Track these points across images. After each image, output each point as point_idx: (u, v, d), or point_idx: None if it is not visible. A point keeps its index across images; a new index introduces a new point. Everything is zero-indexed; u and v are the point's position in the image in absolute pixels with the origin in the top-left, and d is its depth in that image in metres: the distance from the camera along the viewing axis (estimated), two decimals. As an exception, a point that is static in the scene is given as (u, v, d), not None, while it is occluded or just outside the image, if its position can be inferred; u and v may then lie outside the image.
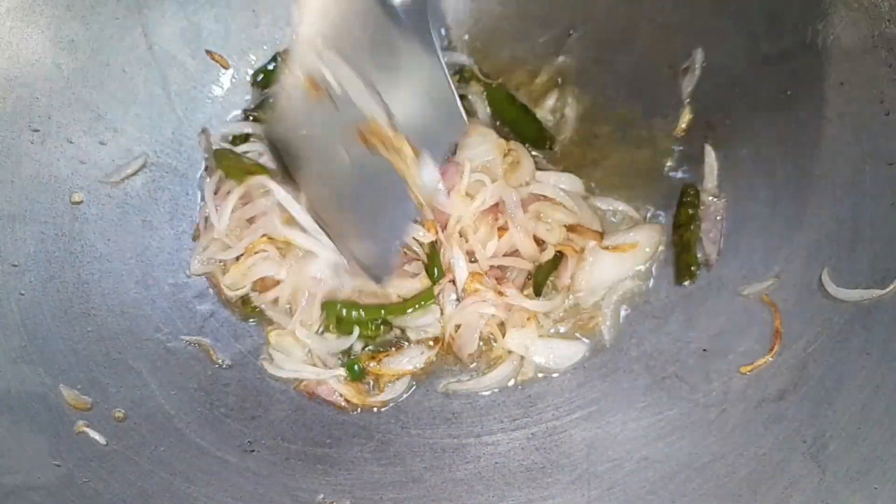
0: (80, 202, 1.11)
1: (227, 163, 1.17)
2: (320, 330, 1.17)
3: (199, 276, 1.18)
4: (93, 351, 1.06)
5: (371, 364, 1.15)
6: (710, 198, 1.16)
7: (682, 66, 1.17)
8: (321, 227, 1.14)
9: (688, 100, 1.18)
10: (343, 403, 1.14)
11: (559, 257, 1.18)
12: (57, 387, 1.01)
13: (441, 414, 1.15)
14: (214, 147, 1.21)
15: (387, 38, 1.00)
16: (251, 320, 1.18)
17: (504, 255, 1.17)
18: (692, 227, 1.15)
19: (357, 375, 1.15)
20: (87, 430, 1.00)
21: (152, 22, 1.15)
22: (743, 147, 1.13)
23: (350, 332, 1.15)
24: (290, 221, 1.16)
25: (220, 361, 1.15)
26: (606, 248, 1.17)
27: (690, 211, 1.16)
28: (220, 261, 1.18)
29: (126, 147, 1.15)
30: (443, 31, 1.12)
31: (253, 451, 1.08)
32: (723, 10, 1.11)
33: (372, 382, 1.16)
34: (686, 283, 1.15)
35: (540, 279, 1.17)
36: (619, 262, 1.17)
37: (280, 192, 1.13)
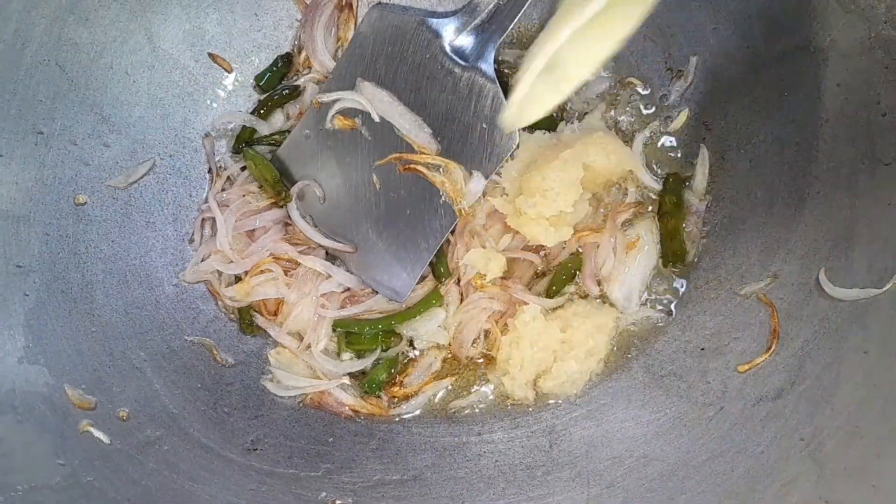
0: (84, 203, 1.12)
1: (260, 169, 1.18)
2: (338, 354, 1.18)
3: (194, 283, 1.18)
4: (97, 351, 1.07)
5: (395, 389, 1.16)
6: (696, 198, 1.17)
7: (680, 68, 1.18)
8: (332, 250, 1.17)
9: (685, 100, 1.19)
10: (350, 413, 1.15)
11: (579, 260, 1.18)
12: (61, 386, 1.02)
13: (442, 412, 1.16)
14: (244, 147, 1.22)
15: (443, 71, 1.08)
16: (251, 334, 1.19)
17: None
18: (679, 216, 1.16)
19: (373, 391, 1.16)
20: (91, 429, 1.00)
21: (155, 25, 1.15)
22: (740, 147, 1.13)
23: (364, 353, 1.16)
24: (295, 240, 1.18)
25: (223, 361, 1.15)
26: (626, 253, 1.17)
27: (674, 199, 1.17)
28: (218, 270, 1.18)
29: (130, 149, 1.16)
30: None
31: (256, 449, 1.09)
32: (721, 11, 1.12)
33: (385, 395, 1.17)
34: (671, 268, 1.17)
35: (557, 282, 1.17)
36: (638, 261, 1.18)
37: (294, 213, 1.16)
